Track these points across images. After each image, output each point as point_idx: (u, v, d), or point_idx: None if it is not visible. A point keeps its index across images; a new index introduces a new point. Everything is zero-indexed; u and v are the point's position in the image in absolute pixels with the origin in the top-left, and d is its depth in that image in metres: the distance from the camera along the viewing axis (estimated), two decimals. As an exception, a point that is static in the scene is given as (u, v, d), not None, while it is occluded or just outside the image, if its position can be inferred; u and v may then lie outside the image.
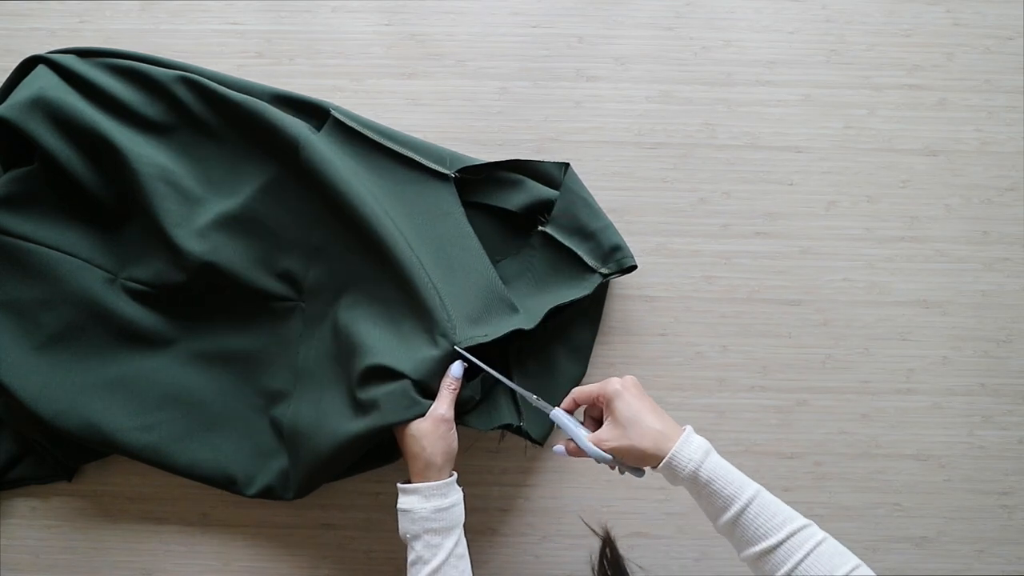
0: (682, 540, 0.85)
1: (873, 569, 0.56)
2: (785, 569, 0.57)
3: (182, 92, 0.81)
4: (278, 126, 0.78)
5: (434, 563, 0.65)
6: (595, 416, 0.70)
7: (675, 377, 0.85)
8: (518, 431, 0.78)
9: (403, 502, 0.67)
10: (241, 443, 0.81)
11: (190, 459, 0.79)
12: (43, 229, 0.80)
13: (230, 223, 0.80)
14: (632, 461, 0.65)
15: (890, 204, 0.87)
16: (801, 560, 0.56)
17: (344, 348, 0.76)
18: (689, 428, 0.64)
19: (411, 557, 0.66)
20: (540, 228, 0.82)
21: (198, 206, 0.80)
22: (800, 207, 0.87)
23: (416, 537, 0.66)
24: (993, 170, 0.87)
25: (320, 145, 0.78)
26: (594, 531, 0.77)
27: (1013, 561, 0.85)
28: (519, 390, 0.73)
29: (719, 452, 0.62)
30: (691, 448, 0.62)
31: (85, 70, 0.80)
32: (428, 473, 0.67)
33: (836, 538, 0.58)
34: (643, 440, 0.63)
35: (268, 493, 0.80)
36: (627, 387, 0.66)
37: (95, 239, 0.82)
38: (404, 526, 0.67)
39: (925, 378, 0.86)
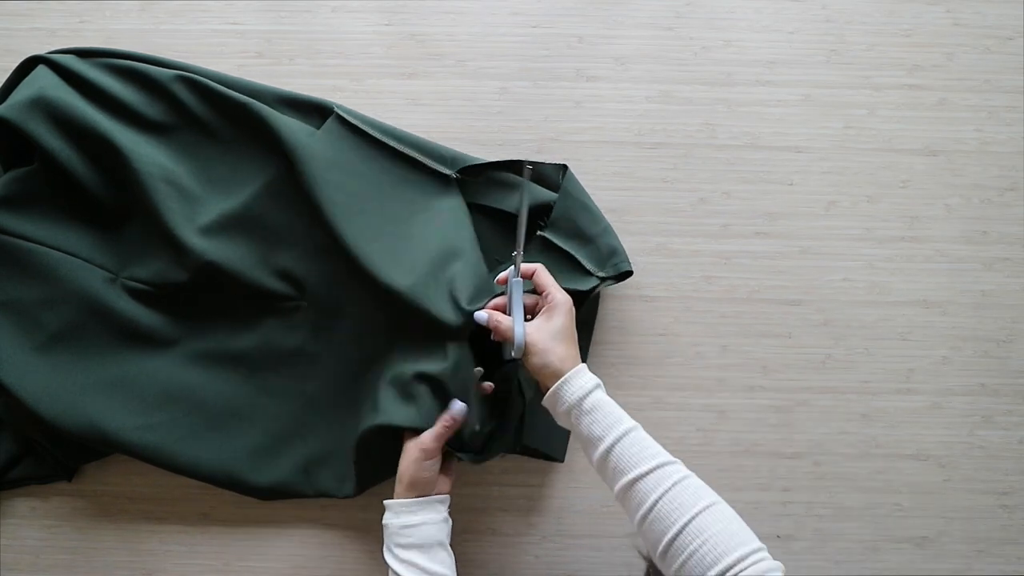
0: (682, 540, 0.85)
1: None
2: (650, 500, 0.57)
3: (182, 92, 0.81)
4: (275, 133, 0.79)
5: None
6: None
7: (675, 377, 0.85)
8: (534, 452, 0.82)
9: (384, 516, 0.69)
10: (243, 442, 0.81)
11: (192, 458, 0.79)
12: (43, 229, 0.80)
13: (231, 222, 0.80)
14: (533, 363, 0.66)
15: (890, 204, 0.87)
16: (666, 492, 0.57)
17: (364, 355, 0.78)
18: (584, 365, 0.66)
19: (389, 572, 0.67)
20: (539, 232, 0.82)
21: (199, 205, 0.80)
22: (800, 207, 0.87)
23: (388, 549, 0.67)
24: (993, 170, 0.87)
25: (312, 159, 0.78)
26: (643, 556, 0.71)
27: (1013, 561, 0.85)
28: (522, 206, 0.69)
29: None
30: (583, 379, 0.64)
31: (85, 70, 0.80)
32: (397, 487, 0.69)
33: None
34: (558, 354, 0.65)
35: (273, 491, 0.80)
36: (573, 310, 0.69)
37: (95, 239, 0.82)
38: (384, 538, 0.69)
39: (925, 378, 0.86)
